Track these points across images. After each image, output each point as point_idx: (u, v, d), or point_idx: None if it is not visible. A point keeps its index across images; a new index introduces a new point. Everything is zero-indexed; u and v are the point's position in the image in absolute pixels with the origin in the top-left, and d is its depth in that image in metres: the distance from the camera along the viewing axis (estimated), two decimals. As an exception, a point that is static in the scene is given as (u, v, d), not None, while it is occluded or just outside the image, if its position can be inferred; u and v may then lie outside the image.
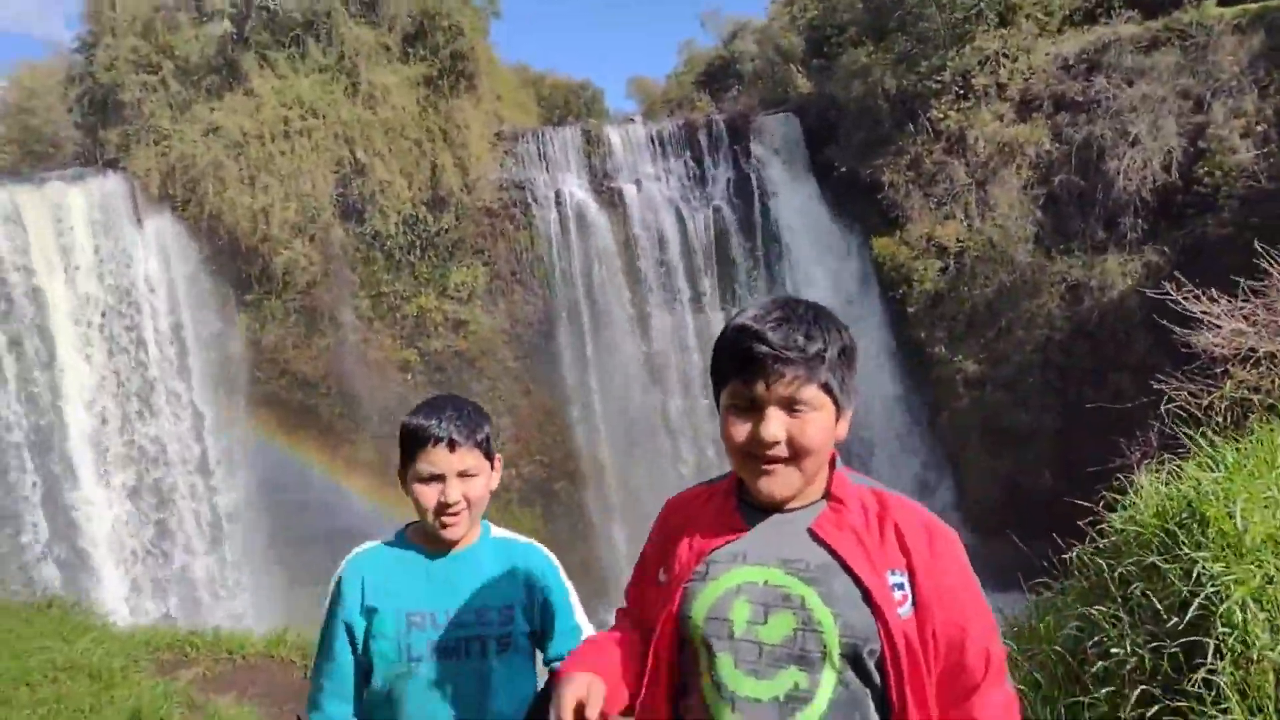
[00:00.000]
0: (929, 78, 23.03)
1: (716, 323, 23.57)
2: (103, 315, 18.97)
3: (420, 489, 2.51)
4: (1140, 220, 20.33)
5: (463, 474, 2.50)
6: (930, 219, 22.30)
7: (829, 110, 25.03)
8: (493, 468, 2.63)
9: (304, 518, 20.41)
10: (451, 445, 2.48)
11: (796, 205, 24.27)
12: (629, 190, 24.87)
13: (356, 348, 21.58)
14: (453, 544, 2.57)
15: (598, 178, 24.98)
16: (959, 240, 21.96)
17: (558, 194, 24.45)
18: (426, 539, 2.58)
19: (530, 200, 24.10)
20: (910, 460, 22.92)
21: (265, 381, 21.10)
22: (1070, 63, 22.16)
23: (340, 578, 2.59)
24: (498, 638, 2.55)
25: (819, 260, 23.60)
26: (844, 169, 23.93)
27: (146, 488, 18.51)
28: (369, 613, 2.52)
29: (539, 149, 24.95)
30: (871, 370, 22.61)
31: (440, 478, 2.49)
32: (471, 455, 2.52)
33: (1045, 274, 20.94)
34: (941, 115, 22.79)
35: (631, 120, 27.84)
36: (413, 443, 2.51)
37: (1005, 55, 22.69)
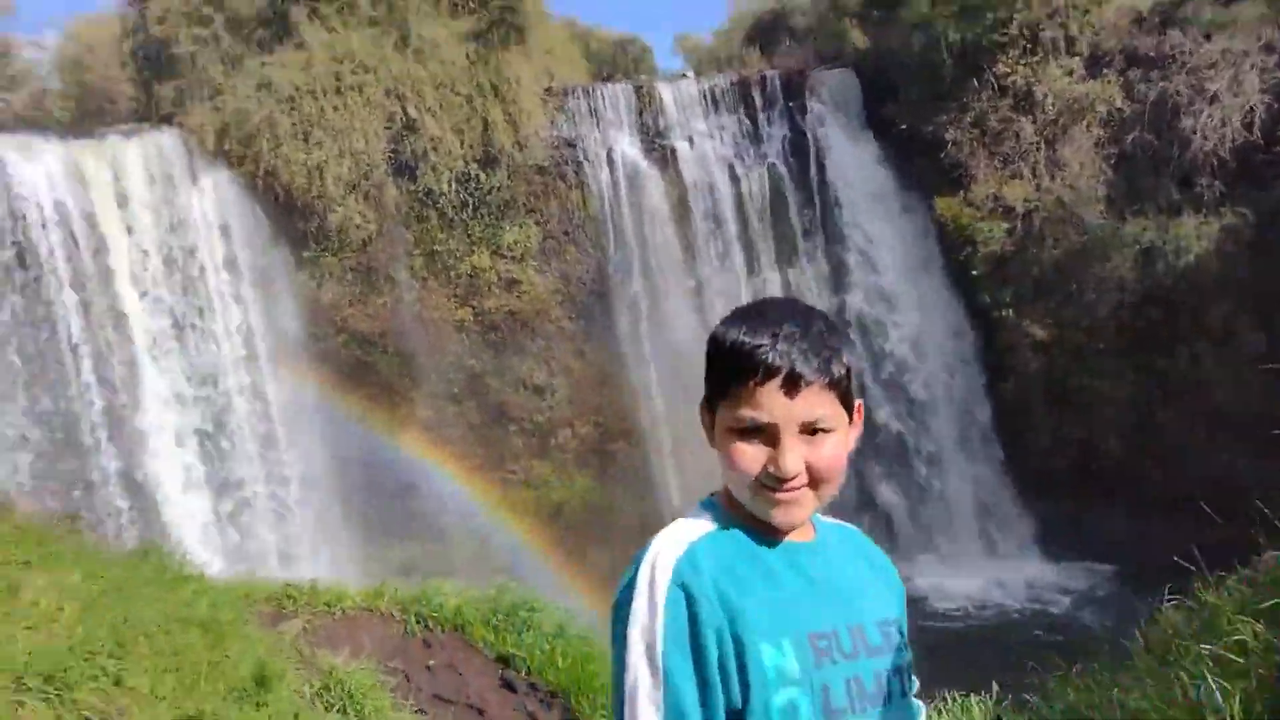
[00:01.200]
0: (995, 31, 22.34)
1: (773, 283, 23.26)
2: (164, 269, 18.91)
3: (737, 447, 1.65)
4: (1218, 181, 19.68)
5: (809, 428, 1.63)
6: (996, 178, 21.74)
7: (888, 65, 24.40)
8: (852, 420, 1.72)
9: (363, 475, 20.49)
10: (792, 383, 1.60)
11: (854, 163, 23.75)
12: (682, 148, 24.44)
13: (412, 306, 21.46)
14: (784, 531, 1.72)
15: (649, 135, 24.56)
16: (1026, 201, 21.40)
17: (609, 152, 24.06)
18: (752, 517, 1.72)
19: (582, 158, 23.75)
20: (971, 423, 22.61)
21: (322, 339, 21.04)
22: (1143, 16, 21.39)
23: (679, 582, 1.64)
24: (898, 669, 1.75)
25: (878, 220, 23.14)
26: (904, 126, 23.35)
27: (212, 441, 18.58)
28: (742, 640, 1.60)
29: (590, 105, 24.54)
30: (934, 333, 22.24)
31: (770, 432, 1.63)
32: (824, 400, 1.63)
33: (1117, 236, 20.38)
34: (1008, 70, 22.13)
35: (684, 76, 27.27)
36: (730, 370, 1.64)
37: (1075, 7, 21.95)
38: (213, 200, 20.50)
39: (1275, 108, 19.07)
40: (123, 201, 18.62)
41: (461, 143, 22.91)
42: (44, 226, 16.53)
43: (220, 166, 20.78)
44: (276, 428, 19.94)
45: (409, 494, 20.67)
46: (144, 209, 19.01)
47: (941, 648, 18.88)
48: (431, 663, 7.57)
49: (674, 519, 1.84)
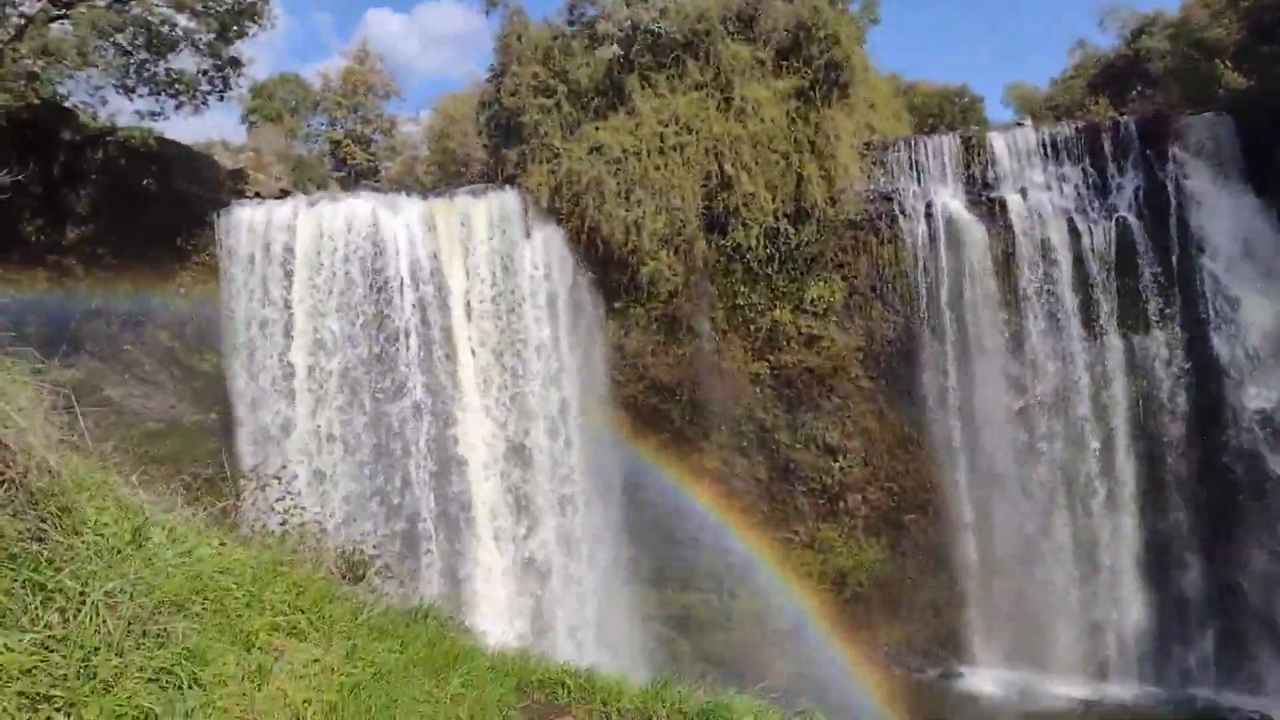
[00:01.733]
0: None
1: (1115, 350, 20.39)
2: (494, 314, 20.95)
3: None
4: None
5: None
6: None
7: (1276, 108, 20.63)
8: None
9: (653, 521, 20.96)
10: None
11: (1227, 219, 20.25)
12: (1013, 200, 22.50)
13: (710, 357, 21.74)
14: None
15: (976, 187, 22.93)
16: None
17: (929, 205, 22.82)
18: None
19: (898, 212, 22.76)
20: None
21: (625, 384, 21.99)
22: None
23: None
24: None
25: (1253, 284, 19.43)
26: (1298, 174, 19.55)
27: (514, 471, 20.11)
28: None
29: (911, 158, 23.51)
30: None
31: None
32: None
33: None
34: None
35: (1020, 124, 25.21)
36: None
37: None
38: (541, 253, 22.42)
39: None
40: (466, 250, 21.01)
41: (774, 198, 23.02)
42: (399, 268, 19.14)
43: (550, 222, 22.71)
44: (576, 469, 21.07)
45: (694, 544, 20.74)
46: (483, 257, 21.29)
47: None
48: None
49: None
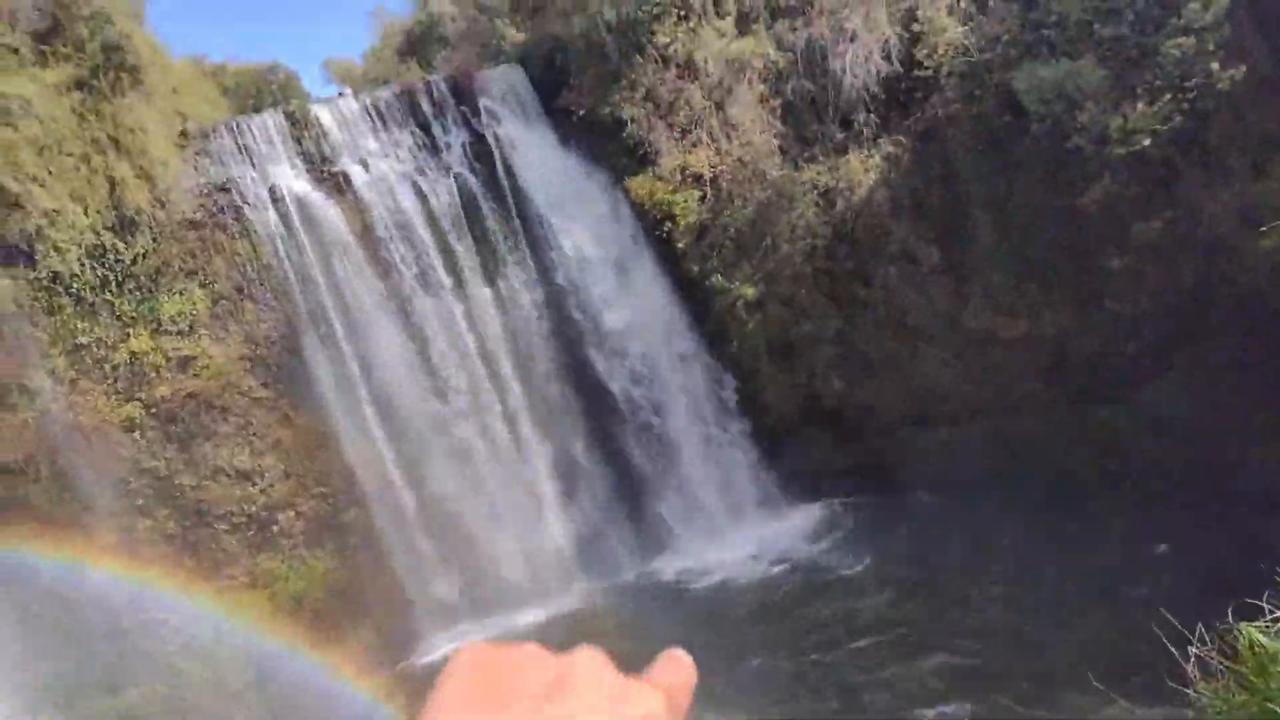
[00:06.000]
0: (647, 3, 22.15)
1: (483, 300, 21.77)
2: None
3: None
4: (872, 115, 20.64)
5: None
6: (679, 149, 21.61)
7: (551, 54, 23.68)
8: None
9: (44, 629, 16.86)
10: None
11: (539, 158, 22.76)
12: (355, 172, 22.32)
13: (62, 416, 17.85)
14: None
15: (315, 164, 22.19)
16: (711, 166, 21.47)
17: (272, 189, 21.46)
18: None
19: (240, 202, 20.95)
20: (708, 394, 22.51)
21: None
22: (776, -32, 21.96)
23: None
24: None
25: (576, 212, 22.31)
26: (582, 112, 22.71)
27: None
28: None
29: (238, 142, 21.74)
30: (652, 313, 21.80)
31: None
32: None
33: (796, 184, 20.88)
34: (668, 40, 22.04)
35: (341, 95, 24.97)
36: None
37: (713, -30, 22.18)
38: None
39: (907, 37, 20.21)
40: None
41: (86, 210, 19.43)
42: None
43: None
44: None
45: (115, 637, 17.24)
46: None
47: (717, 625, 18.57)
48: None
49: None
